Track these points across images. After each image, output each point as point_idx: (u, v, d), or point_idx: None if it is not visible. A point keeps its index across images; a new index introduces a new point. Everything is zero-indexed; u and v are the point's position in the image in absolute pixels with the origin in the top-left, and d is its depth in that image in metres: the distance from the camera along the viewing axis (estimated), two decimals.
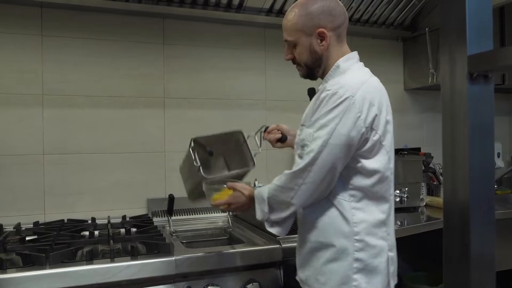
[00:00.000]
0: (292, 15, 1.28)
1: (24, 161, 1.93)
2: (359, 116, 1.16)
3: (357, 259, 1.19)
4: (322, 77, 1.32)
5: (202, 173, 1.46)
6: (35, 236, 1.65)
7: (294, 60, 1.33)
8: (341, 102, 1.16)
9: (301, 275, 1.32)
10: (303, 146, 1.23)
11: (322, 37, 1.25)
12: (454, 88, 0.54)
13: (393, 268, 1.26)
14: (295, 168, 1.20)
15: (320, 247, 1.24)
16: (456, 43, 0.54)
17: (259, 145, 1.60)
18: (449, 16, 0.55)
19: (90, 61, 2.04)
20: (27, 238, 1.62)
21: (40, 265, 1.33)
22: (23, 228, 1.77)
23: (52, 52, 1.97)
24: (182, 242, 1.64)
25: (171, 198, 1.84)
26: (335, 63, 1.28)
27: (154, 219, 2.00)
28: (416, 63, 2.64)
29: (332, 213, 1.22)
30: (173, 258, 1.43)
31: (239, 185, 1.40)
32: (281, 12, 2.23)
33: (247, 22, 2.24)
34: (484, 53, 0.52)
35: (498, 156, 2.75)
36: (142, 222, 1.87)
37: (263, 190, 1.28)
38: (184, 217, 2.02)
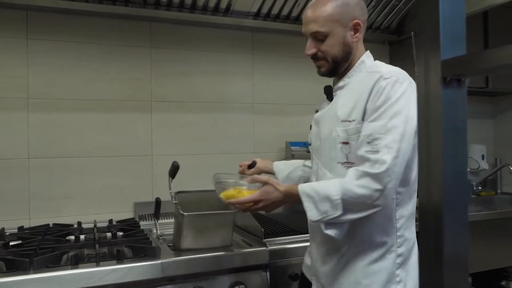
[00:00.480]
0: (326, 5, 1.20)
1: (9, 165, 1.91)
2: (418, 101, 1.15)
3: (399, 255, 1.17)
4: (344, 73, 1.27)
5: (180, 210, 1.50)
6: (19, 241, 1.63)
7: (315, 55, 1.25)
8: (406, 88, 1.13)
9: (335, 285, 1.22)
10: (370, 142, 1.10)
11: (356, 29, 1.22)
12: (428, 92, 0.56)
13: None
14: (382, 166, 1.06)
15: (362, 250, 1.18)
16: (430, 48, 0.56)
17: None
18: (424, 22, 0.57)
19: (77, 65, 2.02)
20: (11, 243, 1.60)
21: (24, 270, 1.32)
22: (7, 233, 1.74)
23: (38, 55, 1.96)
24: (168, 246, 1.64)
25: (158, 202, 1.83)
26: (359, 59, 1.26)
27: (141, 222, 2.00)
28: (403, 66, 2.62)
29: (377, 214, 1.14)
30: (160, 261, 1.43)
31: (271, 179, 1.23)
32: (269, 16, 2.25)
33: (235, 26, 2.25)
34: (456, 58, 0.53)
35: (483, 158, 2.79)
36: (129, 226, 1.86)
37: (328, 189, 1.12)
38: (171, 220, 2.01)
